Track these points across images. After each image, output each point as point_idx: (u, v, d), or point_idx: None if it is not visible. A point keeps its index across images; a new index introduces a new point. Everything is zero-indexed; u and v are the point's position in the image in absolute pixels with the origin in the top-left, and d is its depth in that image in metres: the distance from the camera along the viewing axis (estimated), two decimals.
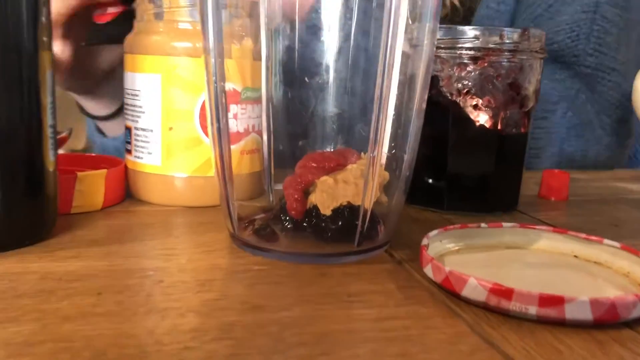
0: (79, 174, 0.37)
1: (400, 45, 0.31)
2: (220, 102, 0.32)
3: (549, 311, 0.24)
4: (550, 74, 0.65)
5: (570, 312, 0.24)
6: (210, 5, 0.31)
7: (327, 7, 0.35)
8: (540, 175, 0.48)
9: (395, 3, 0.29)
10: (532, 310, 0.24)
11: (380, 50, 0.30)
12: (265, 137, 0.37)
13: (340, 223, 0.32)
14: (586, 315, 0.24)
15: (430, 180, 0.41)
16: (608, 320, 0.24)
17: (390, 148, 0.32)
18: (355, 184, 0.32)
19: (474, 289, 0.25)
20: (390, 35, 0.29)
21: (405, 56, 0.32)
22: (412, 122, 0.33)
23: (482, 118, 0.40)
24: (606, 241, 0.32)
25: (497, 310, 0.25)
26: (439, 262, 0.27)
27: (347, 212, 0.31)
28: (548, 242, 0.34)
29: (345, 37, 0.35)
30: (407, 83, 0.33)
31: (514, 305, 0.24)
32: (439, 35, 0.39)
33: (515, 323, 0.24)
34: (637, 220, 0.42)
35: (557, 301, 0.24)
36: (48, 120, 0.31)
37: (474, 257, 0.32)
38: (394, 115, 0.32)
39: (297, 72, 0.36)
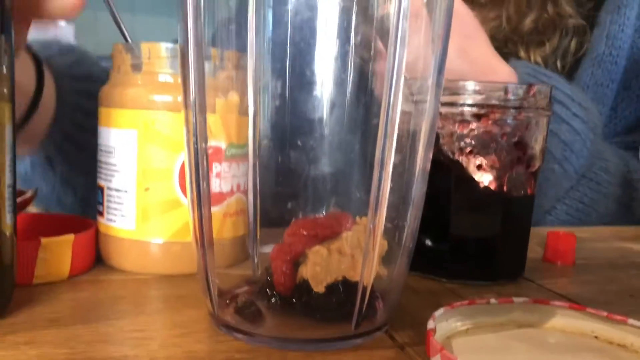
0: (43, 240, 0.33)
1: (400, 102, 0.28)
2: (201, 161, 0.29)
3: None
4: None
5: None
6: (193, 56, 0.28)
7: (320, 61, 0.32)
8: (543, 234, 0.45)
9: (398, 57, 0.26)
10: None
11: (382, 108, 0.27)
12: (251, 197, 0.34)
13: (334, 301, 0.28)
14: None
15: (431, 245, 0.38)
16: None
17: (392, 217, 0.28)
18: (351, 255, 0.29)
19: None
20: (392, 93, 0.27)
21: (406, 113, 0.29)
22: (415, 186, 0.30)
23: (485, 179, 0.37)
24: (631, 321, 0.28)
25: None
26: (447, 345, 0.24)
27: (343, 289, 0.28)
28: (565, 320, 0.30)
29: (339, 92, 0.33)
30: (408, 142, 0.30)
31: None
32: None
33: None
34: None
35: None
36: (6, 179, 0.28)
37: (484, 338, 0.29)
38: (394, 178, 0.29)
39: (287, 128, 0.33)
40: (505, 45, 0.70)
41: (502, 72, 0.52)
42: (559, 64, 0.70)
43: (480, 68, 0.50)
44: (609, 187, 0.59)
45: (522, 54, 0.70)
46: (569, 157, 0.55)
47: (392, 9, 0.27)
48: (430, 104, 0.30)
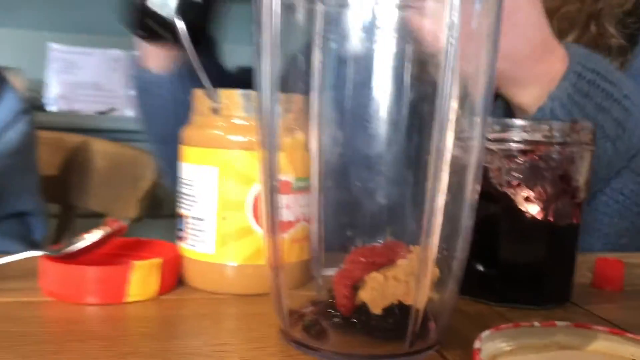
0: (136, 262, 0.38)
1: (450, 141, 0.32)
2: (273, 194, 0.33)
3: None
4: None
5: None
6: (266, 102, 0.32)
7: (376, 101, 0.35)
8: (592, 259, 0.47)
9: (446, 99, 0.30)
10: None
11: (432, 147, 0.30)
12: (315, 226, 0.38)
13: (391, 322, 0.31)
14: None
15: (482, 270, 0.41)
16: None
17: (442, 247, 0.32)
18: (406, 281, 0.32)
19: None
20: (441, 132, 0.30)
21: (456, 151, 0.33)
22: (463, 218, 0.33)
23: (533, 209, 0.40)
24: None
25: None
26: None
27: (398, 311, 0.31)
28: (605, 344, 0.33)
29: (394, 129, 0.36)
30: (457, 177, 0.33)
31: None
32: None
33: None
34: None
35: None
36: None
37: (527, 359, 0.31)
38: (444, 210, 0.32)
39: (347, 164, 0.37)
40: None
41: (558, 53, 0.53)
42: None
43: (535, 45, 0.52)
44: None
45: None
46: (621, 135, 0.55)
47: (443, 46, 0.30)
48: (477, 141, 0.33)
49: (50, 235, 1.06)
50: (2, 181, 0.90)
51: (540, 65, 0.52)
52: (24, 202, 0.94)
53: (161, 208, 1.13)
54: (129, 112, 2.01)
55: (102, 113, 1.96)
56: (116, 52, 2.13)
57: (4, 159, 0.89)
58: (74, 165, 1.14)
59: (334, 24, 0.36)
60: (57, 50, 2.07)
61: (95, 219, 1.07)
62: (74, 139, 1.17)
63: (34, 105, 1.88)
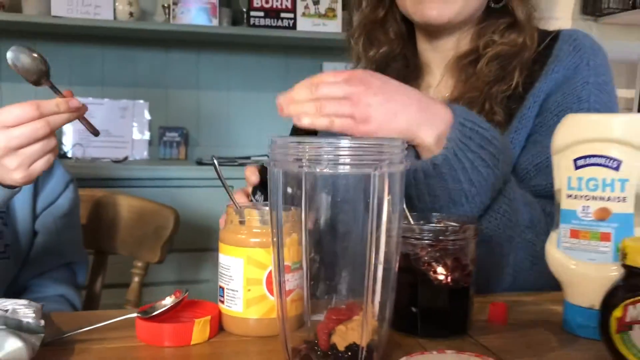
0: (196, 320, 0.62)
1: (383, 239, 0.56)
2: (282, 274, 0.57)
3: None
4: None
5: None
6: (276, 222, 0.56)
7: (339, 217, 0.60)
8: (490, 301, 0.72)
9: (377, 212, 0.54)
10: None
11: (369, 246, 0.55)
12: (305, 291, 0.62)
13: (349, 354, 0.56)
14: None
15: (409, 314, 0.66)
16: None
17: (380, 305, 0.56)
18: (358, 330, 0.57)
19: None
20: (374, 233, 0.55)
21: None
22: (389, 292, 0.57)
23: (440, 277, 0.64)
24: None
25: None
26: None
27: (354, 348, 0.56)
28: None
29: (350, 234, 0.60)
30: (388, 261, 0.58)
31: None
32: (409, 231, 0.64)
33: None
34: (547, 341, 0.65)
35: None
36: None
37: None
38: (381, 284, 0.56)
39: (324, 255, 0.61)
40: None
41: (442, 112, 0.76)
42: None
43: (423, 106, 0.76)
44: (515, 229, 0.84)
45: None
46: (497, 164, 0.78)
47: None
48: (395, 239, 0.58)
49: (87, 274, 1.30)
50: (57, 239, 1.13)
51: (428, 112, 0.76)
52: (72, 254, 1.18)
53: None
54: (141, 159, 2.25)
55: (117, 162, 2.20)
56: (123, 102, 2.38)
57: (56, 221, 1.13)
58: (104, 217, 1.38)
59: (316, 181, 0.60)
60: None
61: (125, 262, 1.31)
62: (103, 193, 1.41)
63: None
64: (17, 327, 0.56)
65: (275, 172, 0.57)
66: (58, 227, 1.13)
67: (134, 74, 2.47)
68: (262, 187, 0.88)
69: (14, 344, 0.53)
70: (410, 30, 1.09)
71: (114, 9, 2.24)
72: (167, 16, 2.37)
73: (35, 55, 0.83)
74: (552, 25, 1.06)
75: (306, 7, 2.37)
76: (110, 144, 2.34)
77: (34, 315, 0.60)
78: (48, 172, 1.11)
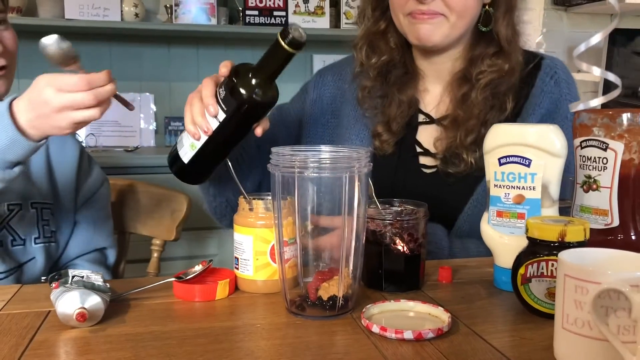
0: (219, 281, 0.85)
1: (354, 219, 0.78)
2: (282, 246, 0.80)
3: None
4: None
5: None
6: (278, 208, 0.79)
7: (325, 207, 0.82)
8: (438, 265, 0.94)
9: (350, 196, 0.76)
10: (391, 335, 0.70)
11: (345, 224, 0.77)
12: (299, 259, 0.84)
13: (331, 303, 0.78)
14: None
15: (376, 273, 0.88)
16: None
17: (353, 267, 0.78)
18: (336, 286, 0.79)
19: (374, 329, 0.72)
20: (347, 216, 0.77)
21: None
22: (359, 258, 0.80)
23: (399, 247, 0.87)
24: (439, 308, 0.78)
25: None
26: (369, 318, 0.74)
27: (334, 298, 0.78)
28: (421, 307, 0.80)
29: (330, 215, 0.82)
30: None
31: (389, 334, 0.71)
32: (376, 214, 0.86)
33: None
34: (478, 294, 0.88)
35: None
36: None
37: (384, 316, 0.78)
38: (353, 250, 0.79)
39: (312, 230, 0.83)
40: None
41: None
42: None
43: None
44: None
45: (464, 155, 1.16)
46: None
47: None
48: (362, 220, 0.80)
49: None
50: (93, 229, 1.34)
51: None
52: (105, 240, 1.37)
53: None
54: (149, 147, 2.46)
55: (129, 151, 2.41)
56: (131, 95, 2.58)
57: (93, 213, 1.33)
58: (126, 202, 1.59)
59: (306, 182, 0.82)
60: None
61: (145, 240, 1.53)
62: (124, 182, 1.62)
63: None
64: (92, 288, 0.78)
65: (275, 174, 0.78)
66: (94, 218, 1.33)
67: (139, 69, 2.67)
68: (229, 81, 0.90)
69: (94, 299, 0.75)
70: (408, 41, 1.21)
71: (121, 11, 2.44)
72: (170, 16, 2.56)
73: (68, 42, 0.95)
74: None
75: (297, 5, 2.57)
76: (120, 133, 2.55)
77: (101, 280, 0.82)
78: (87, 171, 1.33)
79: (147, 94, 2.63)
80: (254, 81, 0.89)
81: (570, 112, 1.12)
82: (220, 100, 0.90)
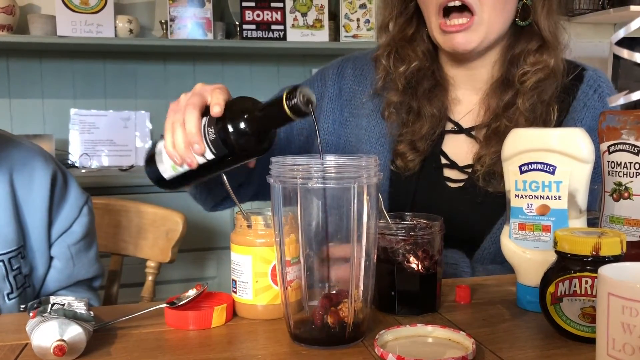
0: (215, 307, 0.76)
1: (364, 236, 0.70)
2: (284, 267, 0.72)
3: None
4: None
5: None
6: (278, 226, 0.71)
7: (331, 222, 0.74)
8: (457, 283, 0.86)
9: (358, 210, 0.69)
10: None
11: (353, 242, 0.69)
12: (303, 281, 0.76)
13: (339, 329, 0.70)
14: None
15: (389, 295, 0.80)
16: None
17: (363, 289, 0.71)
18: (345, 311, 0.71)
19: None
20: (356, 232, 0.69)
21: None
22: (370, 279, 0.72)
23: (413, 266, 0.79)
24: (461, 332, 0.70)
25: None
26: (383, 346, 0.66)
27: (343, 324, 0.70)
28: (440, 332, 0.72)
29: (337, 231, 0.75)
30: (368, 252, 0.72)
31: None
32: (387, 229, 0.78)
33: None
34: (501, 315, 0.80)
35: None
36: None
37: (400, 343, 0.70)
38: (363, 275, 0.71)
39: (316, 250, 0.75)
40: None
41: None
42: None
43: None
44: None
45: None
46: None
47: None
48: (373, 236, 0.72)
49: (105, 275, 1.43)
50: (72, 263, 1.19)
51: None
52: (87, 270, 1.22)
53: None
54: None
55: (123, 170, 2.34)
56: (126, 113, 2.51)
57: (71, 247, 1.18)
58: (120, 222, 1.51)
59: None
60: (77, 114, 2.45)
61: (139, 263, 1.45)
62: (117, 201, 1.54)
63: (64, 163, 2.26)
64: (73, 317, 0.70)
65: (276, 187, 0.71)
66: (72, 252, 1.18)
67: (134, 87, 2.61)
68: (221, 126, 0.81)
69: (75, 329, 0.67)
70: (435, 47, 1.14)
71: (115, 27, 2.38)
72: (165, 31, 2.51)
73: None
74: None
75: (295, 19, 2.51)
76: (115, 152, 2.48)
77: (84, 307, 0.74)
78: (62, 198, 1.17)
79: (143, 111, 2.56)
80: (248, 131, 0.80)
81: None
82: (208, 141, 0.81)
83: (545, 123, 1.06)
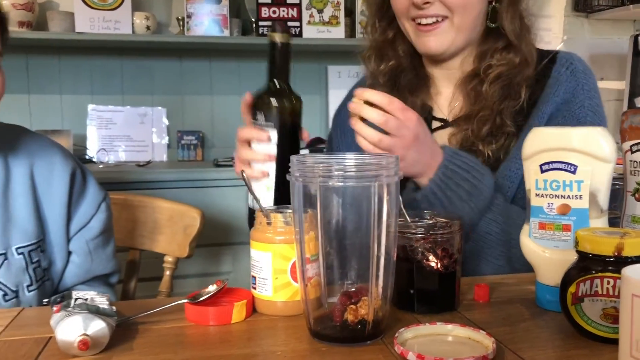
0: (235, 303, 0.77)
1: (384, 235, 0.71)
2: (304, 264, 0.72)
3: None
4: None
5: None
6: (298, 223, 0.71)
7: (351, 220, 0.74)
8: (476, 282, 0.86)
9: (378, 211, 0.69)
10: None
11: (373, 239, 0.69)
12: (322, 278, 0.77)
13: (359, 326, 0.71)
14: None
15: (407, 294, 0.80)
16: None
17: (383, 287, 0.71)
18: (365, 308, 0.71)
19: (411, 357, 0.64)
20: (376, 230, 0.69)
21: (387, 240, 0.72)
22: (389, 277, 0.72)
23: (432, 264, 0.79)
24: (481, 331, 0.70)
25: None
26: (402, 344, 0.66)
27: (363, 322, 0.70)
28: (461, 331, 0.72)
29: (356, 229, 0.75)
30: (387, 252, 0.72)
31: None
32: (406, 227, 0.78)
33: None
34: (520, 314, 0.80)
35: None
36: None
37: (419, 342, 0.70)
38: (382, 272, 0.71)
39: (335, 247, 0.76)
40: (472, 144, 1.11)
41: (438, 157, 0.96)
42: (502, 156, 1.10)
43: (429, 154, 0.95)
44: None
45: (480, 147, 1.11)
46: (475, 196, 0.97)
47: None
48: (393, 234, 0.72)
49: (123, 270, 1.43)
50: (89, 258, 1.20)
51: (432, 159, 0.96)
52: (105, 266, 1.24)
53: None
54: (161, 161, 2.41)
55: (140, 165, 2.35)
56: (142, 109, 2.53)
57: (89, 242, 1.20)
58: (137, 218, 1.53)
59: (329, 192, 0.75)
60: (95, 110, 2.47)
61: (157, 257, 1.46)
62: (135, 197, 1.56)
63: (81, 158, 2.28)
64: (97, 312, 0.71)
65: (296, 185, 0.71)
66: (90, 248, 1.20)
67: (151, 83, 2.62)
68: (257, 104, 0.97)
69: (98, 324, 0.68)
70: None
71: (132, 24, 2.40)
72: (182, 28, 2.52)
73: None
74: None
75: (311, 15, 2.51)
76: (132, 148, 2.49)
77: (107, 302, 0.75)
78: (81, 194, 1.19)
79: (160, 107, 2.58)
80: (276, 86, 0.96)
81: (588, 101, 1.09)
82: (264, 126, 0.95)
83: (514, 100, 1.11)
